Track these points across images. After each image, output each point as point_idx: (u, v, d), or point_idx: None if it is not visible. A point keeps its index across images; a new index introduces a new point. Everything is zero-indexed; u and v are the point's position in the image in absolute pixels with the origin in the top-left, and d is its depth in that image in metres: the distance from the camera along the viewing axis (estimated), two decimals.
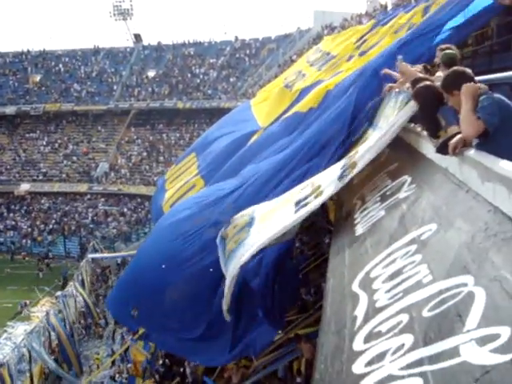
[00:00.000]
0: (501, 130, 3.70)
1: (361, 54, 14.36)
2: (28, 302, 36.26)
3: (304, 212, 6.19)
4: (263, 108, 17.37)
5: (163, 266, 9.15)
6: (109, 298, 14.37)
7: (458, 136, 4.00)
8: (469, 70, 4.33)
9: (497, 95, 3.90)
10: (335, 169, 6.75)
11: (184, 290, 8.88)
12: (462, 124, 4.04)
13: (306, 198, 6.53)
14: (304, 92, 14.23)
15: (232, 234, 7.40)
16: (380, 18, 19.48)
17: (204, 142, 17.50)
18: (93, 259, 32.79)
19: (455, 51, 6.59)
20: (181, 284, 8.86)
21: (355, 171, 6.13)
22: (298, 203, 6.56)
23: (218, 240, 7.69)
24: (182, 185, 14.47)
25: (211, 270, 8.17)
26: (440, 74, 6.20)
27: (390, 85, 7.75)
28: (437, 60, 7.16)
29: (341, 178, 6.21)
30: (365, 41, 16.25)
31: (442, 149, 4.29)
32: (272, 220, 6.75)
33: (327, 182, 6.48)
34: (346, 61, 15.18)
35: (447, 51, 6.59)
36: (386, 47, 11.48)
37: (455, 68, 4.44)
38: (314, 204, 6.21)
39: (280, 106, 15.55)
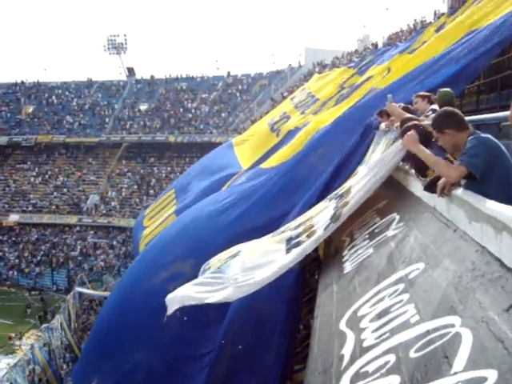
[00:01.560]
0: (488, 169, 3.72)
1: (336, 103, 14.98)
2: (13, 334, 35.64)
3: (296, 254, 6.03)
4: (246, 148, 17.59)
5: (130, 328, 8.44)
6: (74, 368, 13.07)
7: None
8: (458, 111, 4.37)
9: (485, 135, 3.92)
10: (328, 209, 6.71)
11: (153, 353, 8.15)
12: (438, 172, 4.11)
13: (298, 236, 6.45)
14: (286, 139, 14.55)
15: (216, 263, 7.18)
16: (359, 67, 20.26)
17: (185, 180, 17.51)
18: (80, 293, 32.35)
19: (451, 91, 6.68)
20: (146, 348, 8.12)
21: (346, 211, 6.10)
22: (289, 240, 6.47)
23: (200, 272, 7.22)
24: (159, 223, 14.34)
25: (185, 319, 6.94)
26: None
27: (386, 122, 7.81)
28: (416, 106, 7.28)
29: (333, 217, 6.18)
30: (343, 89, 17.16)
31: (430, 187, 4.31)
32: (260, 256, 6.60)
33: (320, 221, 6.43)
34: (325, 110, 15.64)
35: (445, 89, 6.67)
36: (359, 98, 12.25)
37: (446, 108, 4.47)
38: (307, 245, 6.11)
39: (261, 148, 15.84)
